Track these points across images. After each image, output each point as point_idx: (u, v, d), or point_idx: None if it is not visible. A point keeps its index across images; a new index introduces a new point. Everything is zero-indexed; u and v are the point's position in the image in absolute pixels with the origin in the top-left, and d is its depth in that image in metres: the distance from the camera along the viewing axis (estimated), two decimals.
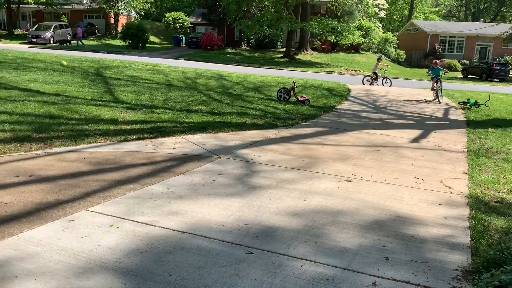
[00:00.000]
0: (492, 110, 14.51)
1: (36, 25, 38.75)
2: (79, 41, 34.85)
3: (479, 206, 5.27)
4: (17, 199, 4.64)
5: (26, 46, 32.16)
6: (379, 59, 23.06)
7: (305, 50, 37.67)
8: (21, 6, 41.46)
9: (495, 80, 32.12)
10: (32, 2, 39.21)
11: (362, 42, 37.97)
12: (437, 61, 16.97)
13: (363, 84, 21.50)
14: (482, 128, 11.05)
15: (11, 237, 3.77)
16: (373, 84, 21.46)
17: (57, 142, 7.01)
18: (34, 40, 34.84)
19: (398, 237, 4.27)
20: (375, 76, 21.68)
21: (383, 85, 21.54)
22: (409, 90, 19.83)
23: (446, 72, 20.27)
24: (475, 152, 8.30)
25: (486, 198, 5.61)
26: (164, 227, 4.16)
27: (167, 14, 45.08)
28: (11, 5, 40.19)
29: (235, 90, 15.30)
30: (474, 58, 43.69)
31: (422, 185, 6.03)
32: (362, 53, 41.37)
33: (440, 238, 4.30)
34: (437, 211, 5.04)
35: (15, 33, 40.81)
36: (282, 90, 13.97)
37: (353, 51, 41.17)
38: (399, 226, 4.53)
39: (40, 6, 41.93)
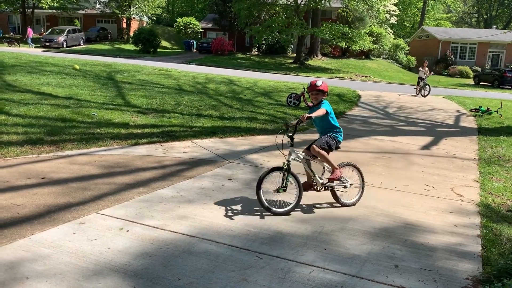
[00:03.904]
0: (504, 117, 14.35)
1: (50, 30, 39.29)
2: (29, 41, 35.27)
3: (490, 215, 5.21)
4: (29, 201, 4.70)
5: (40, 50, 32.61)
6: (424, 62, 20.81)
7: (315, 56, 37.64)
8: (35, 10, 42.06)
9: (508, 87, 31.77)
10: (46, 7, 39.75)
11: (373, 48, 37.83)
12: None
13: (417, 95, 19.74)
14: (494, 135, 10.93)
15: (22, 239, 3.82)
16: (424, 95, 19.23)
17: (68, 145, 7.09)
18: (47, 44, 35.32)
19: (408, 244, 4.24)
20: (422, 83, 19.36)
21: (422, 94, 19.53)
22: (419, 97, 19.68)
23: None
24: (487, 160, 8.22)
25: (498, 207, 5.55)
26: (173, 231, 4.18)
27: (179, 19, 45.41)
28: (26, 10, 40.81)
29: (245, 95, 15.34)
30: (486, 65, 43.30)
31: (432, 192, 5.98)
32: (372, 59, 41.23)
33: (450, 247, 4.26)
34: (448, 219, 5.00)
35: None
36: (292, 95, 13.98)
37: (363, 57, 41.06)
38: (408, 234, 4.50)
39: (54, 11, 42.48)
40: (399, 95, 19.90)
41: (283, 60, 36.46)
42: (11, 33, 44.70)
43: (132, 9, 43.38)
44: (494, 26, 55.19)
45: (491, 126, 12.63)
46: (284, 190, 4.81)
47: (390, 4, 39.68)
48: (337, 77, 28.89)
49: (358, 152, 8.18)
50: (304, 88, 14.35)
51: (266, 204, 4.74)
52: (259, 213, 4.81)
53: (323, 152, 4.99)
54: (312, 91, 5.10)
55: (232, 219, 4.59)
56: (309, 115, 4.76)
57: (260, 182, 4.72)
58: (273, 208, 4.78)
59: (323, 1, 32.55)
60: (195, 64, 30.25)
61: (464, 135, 10.97)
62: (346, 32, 31.83)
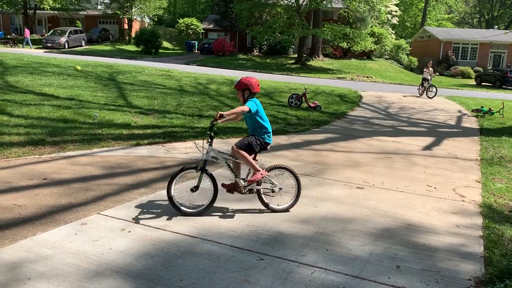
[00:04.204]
0: (506, 118, 14.32)
1: (52, 31, 39.37)
2: (25, 42, 35.42)
3: (492, 215, 5.20)
4: (31, 201, 4.70)
5: (42, 51, 32.67)
6: (428, 63, 20.18)
7: (316, 57, 37.63)
8: (37, 11, 42.16)
9: (509, 88, 31.70)
10: (48, 8, 39.83)
11: (374, 48, 37.82)
12: None
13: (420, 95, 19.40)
14: (496, 136, 10.91)
15: (24, 240, 3.82)
16: (427, 95, 18.89)
17: (70, 146, 7.09)
18: (49, 45, 35.38)
19: (410, 245, 4.23)
20: (427, 84, 19.01)
21: (428, 95, 19.13)
22: (423, 98, 19.65)
23: None
24: (489, 160, 8.20)
25: (500, 207, 5.53)
26: (174, 232, 4.18)
27: (180, 20, 45.47)
28: (28, 11, 40.90)
29: None
30: (488, 65, 43.22)
31: (434, 193, 5.97)
32: (374, 60, 41.20)
33: (452, 247, 4.25)
34: (450, 220, 4.98)
35: (31, 38, 41.48)
36: (294, 96, 13.98)
37: (365, 57, 41.04)
38: (410, 235, 4.49)
39: (56, 12, 42.55)
40: (403, 96, 19.86)
41: (284, 61, 36.45)
42: (13, 34, 44.80)
43: (133, 10, 43.43)
44: (496, 26, 55.16)
45: (493, 127, 12.61)
46: (193, 191, 4.62)
47: (392, 4, 39.63)
48: (338, 78, 28.88)
49: (359, 153, 8.17)
50: (305, 89, 14.38)
51: (173, 201, 4.55)
52: (261, 214, 4.81)
53: (242, 152, 4.74)
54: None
55: (233, 219, 4.59)
56: (222, 113, 4.54)
57: (172, 179, 4.56)
58: (182, 208, 4.61)
59: (324, 2, 32.53)
60: (197, 65, 30.26)
61: (466, 135, 10.95)
62: (348, 32, 31.81)
